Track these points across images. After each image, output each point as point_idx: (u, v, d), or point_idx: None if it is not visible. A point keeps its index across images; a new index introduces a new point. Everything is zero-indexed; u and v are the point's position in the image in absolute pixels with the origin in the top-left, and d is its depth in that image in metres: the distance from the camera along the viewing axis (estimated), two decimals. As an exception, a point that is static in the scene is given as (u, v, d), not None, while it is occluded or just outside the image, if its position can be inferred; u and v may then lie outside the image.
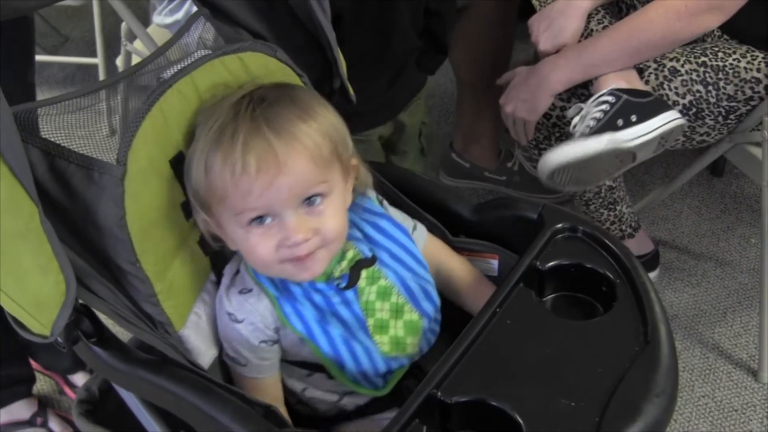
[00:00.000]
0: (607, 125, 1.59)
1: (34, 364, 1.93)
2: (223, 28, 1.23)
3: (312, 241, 1.09)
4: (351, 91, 1.28)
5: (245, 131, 1.05)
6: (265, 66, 1.20)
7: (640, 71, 1.68)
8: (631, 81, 1.64)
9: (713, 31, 1.78)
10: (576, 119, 1.67)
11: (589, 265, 1.15)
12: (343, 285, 1.17)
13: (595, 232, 1.18)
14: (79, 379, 1.95)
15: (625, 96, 1.60)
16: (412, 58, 1.93)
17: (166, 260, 1.10)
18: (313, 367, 1.22)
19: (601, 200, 1.97)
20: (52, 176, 0.99)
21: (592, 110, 1.62)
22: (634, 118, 1.58)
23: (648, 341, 1.04)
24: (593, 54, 1.65)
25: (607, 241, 1.17)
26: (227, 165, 1.04)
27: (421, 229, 1.30)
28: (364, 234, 1.22)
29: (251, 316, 1.15)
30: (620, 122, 1.58)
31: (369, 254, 1.21)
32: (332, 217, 1.11)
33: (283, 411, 1.20)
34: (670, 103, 1.66)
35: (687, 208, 2.41)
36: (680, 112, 1.64)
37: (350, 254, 1.19)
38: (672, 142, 1.69)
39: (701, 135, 1.74)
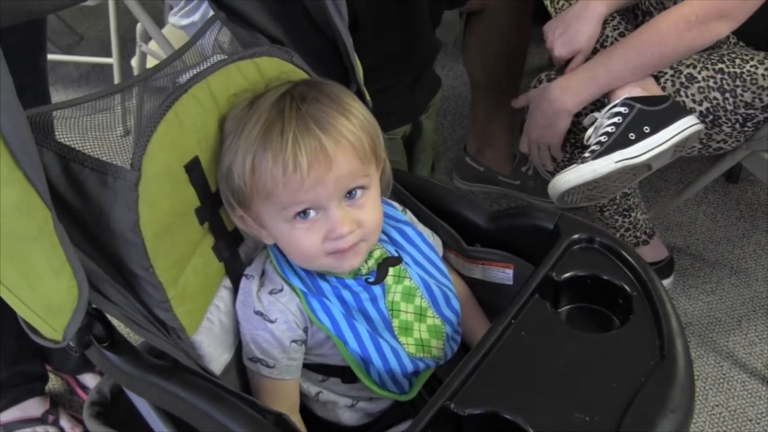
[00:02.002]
0: (617, 141, 1.59)
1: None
2: (239, 32, 1.23)
3: (355, 233, 1.12)
4: (368, 97, 1.28)
5: (294, 130, 1.07)
6: (280, 71, 1.20)
7: (656, 78, 1.67)
8: (647, 87, 1.63)
9: (729, 37, 1.77)
10: (590, 131, 1.66)
11: (605, 277, 1.14)
12: (372, 280, 1.20)
13: (612, 243, 1.17)
14: (89, 379, 1.95)
15: (638, 105, 1.59)
16: (432, 59, 1.96)
17: (180, 266, 1.10)
18: (329, 371, 1.23)
19: (615, 207, 1.96)
20: (66, 180, 0.98)
21: (605, 122, 1.61)
22: (647, 129, 1.57)
23: (664, 355, 1.03)
24: (607, 73, 1.64)
25: (624, 253, 1.16)
26: (278, 163, 1.07)
27: (437, 237, 1.32)
28: (389, 237, 1.25)
29: (284, 315, 1.16)
30: (632, 135, 1.58)
31: (395, 254, 1.23)
32: (371, 209, 1.15)
33: (297, 417, 1.21)
34: None
35: (702, 215, 2.40)
36: (696, 119, 1.63)
37: (377, 253, 1.22)
38: (688, 148, 1.68)
39: (718, 142, 1.73)
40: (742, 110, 1.66)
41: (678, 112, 1.61)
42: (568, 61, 1.74)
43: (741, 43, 1.76)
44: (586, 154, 1.62)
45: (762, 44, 1.71)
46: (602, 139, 1.60)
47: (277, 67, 1.20)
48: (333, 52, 1.26)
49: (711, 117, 1.67)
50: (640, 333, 1.08)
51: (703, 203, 2.44)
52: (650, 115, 1.59)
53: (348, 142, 1.09)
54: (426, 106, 1.98)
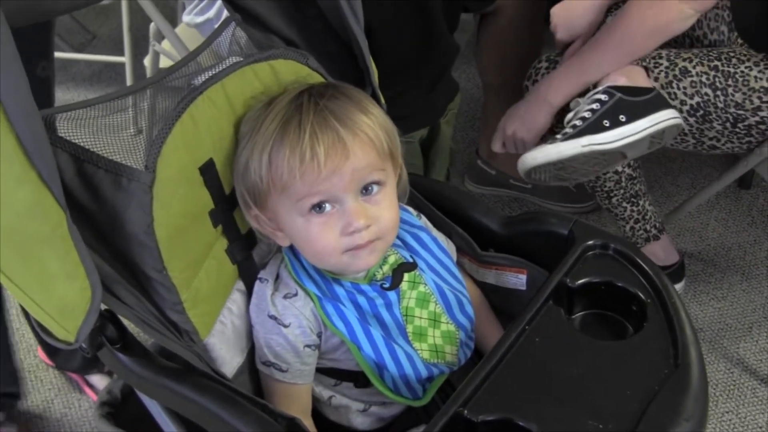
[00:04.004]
0: (590, 126, 1.62)
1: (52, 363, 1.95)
2: (254, 34, 1.22)
3: (371, 229, 1.12)
4: (383, 100, 1.28)
5: (312, 122, 1.08)
6: (296, 73, 1.20)
7: (651, 68, 1.70)
8: (632, 77, 1.67)
9: (736, 37, 1.76)
10: (570, 114, 1.70)
11: (619, 284, 1.14)
12: (387, 285, 1.19)
13: (626, 249, 1.17)
14: (96, 380, 1.95)
15: (618, 94, 1.63)
16: (451, 62, 1.96)
17: (193, 268, 1.09)
18: (342, 375, 1.23)
19: (622, 191, 1.96)
20: (80, 181, 0.98)
21: (584, 108, 1.65)
22: (622, 118, 1.61)
23: (678, 364, 1.03)
24: (590, 68, 1.70)
25: (638, 260, 1.15)
26: (295, 154, 1.07)
27: (451, 242, 1.32)
28: (404, 242, 1.25)
29: (298, 320, 1.16)
30: (606, 123, 1.61)
31: (410, 260, 1.23)
32: (388, 208, 1.14)
33: (309, 421, 1.21)
34: (677, 102, 1.68)
35: (714, 221, 2.39)
36: (687, 112, 1.67)
37: (392, 259, 1.22)
38: (669, 140, 1.71)
39: (710, 139, 1.74)
40: (732, 110, 1.66)
41: (658, 104, 1.63)
42: (568, 45, 1.83)
43: (745, 45, 1.76)
44: (558, 136, 1.66)
45: (763, 46, 1.71)
46: (577, 123, 1.64)
47: (292, 70, 1.20)
48: (348, 54, 1.26)
49: (701, 112, 1.68)
50: (654, 341, 1.07)
51: (715, 209, 2.43)
52: (629, 104, 1.62)
53: (366, 135, 1.10)
54: (445, 110, 1.98)
